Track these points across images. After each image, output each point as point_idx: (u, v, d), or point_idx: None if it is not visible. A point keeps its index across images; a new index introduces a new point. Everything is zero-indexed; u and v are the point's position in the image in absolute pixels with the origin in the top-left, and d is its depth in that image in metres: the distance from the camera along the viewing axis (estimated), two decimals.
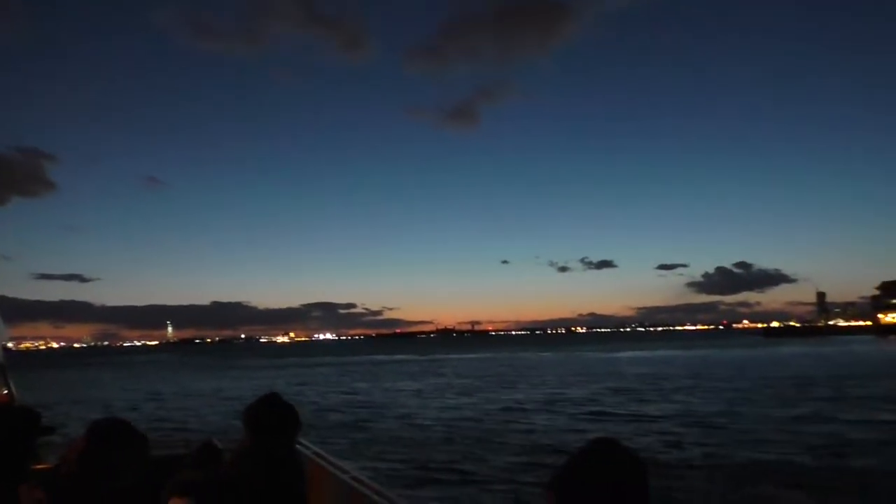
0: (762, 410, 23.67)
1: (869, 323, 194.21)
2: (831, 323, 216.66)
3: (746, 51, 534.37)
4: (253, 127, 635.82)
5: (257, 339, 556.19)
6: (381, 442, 19.17)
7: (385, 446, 18.34)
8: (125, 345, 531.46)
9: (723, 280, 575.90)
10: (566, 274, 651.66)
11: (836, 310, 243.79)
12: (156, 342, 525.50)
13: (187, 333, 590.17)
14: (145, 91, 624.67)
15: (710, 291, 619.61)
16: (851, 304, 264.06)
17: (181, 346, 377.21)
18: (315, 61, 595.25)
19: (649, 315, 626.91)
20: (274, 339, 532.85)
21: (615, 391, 31.86)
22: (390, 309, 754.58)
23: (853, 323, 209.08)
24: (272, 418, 2.80)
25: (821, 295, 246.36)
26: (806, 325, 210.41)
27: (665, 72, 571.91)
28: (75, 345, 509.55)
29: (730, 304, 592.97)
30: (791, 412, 22.94)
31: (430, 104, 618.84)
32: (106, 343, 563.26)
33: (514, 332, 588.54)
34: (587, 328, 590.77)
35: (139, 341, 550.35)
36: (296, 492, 2.79)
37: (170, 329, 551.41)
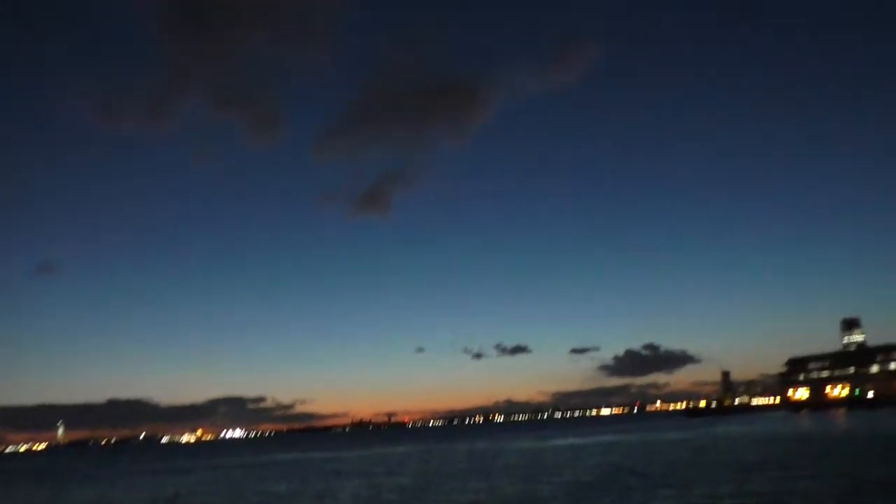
0: None
1: (777, 400, 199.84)
2: (751, 402, 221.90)
3: (651, 134, 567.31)
4: (158, 211, 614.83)
5: (158, 439, 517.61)
6: None
7: None
8: (6, 451, 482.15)
9: (633, 362, 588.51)
10: (481, 360, 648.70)
11: (741, 388, 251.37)
12: (44, 444, 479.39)
13: (81, 434, 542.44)
14: (39, 172, 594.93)
15: (621, 374, 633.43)
16: (753, 382, 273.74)
17: (72, 449, 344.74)
18: (225, 144, 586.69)
19: (564, 400, 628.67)
20: (176, 439, 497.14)
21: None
22: (302, 402, 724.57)
23: (764, 401, 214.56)
24: None
25: (725, 374, 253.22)
26: (725, 405, 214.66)
27: (573, 155, 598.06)
28: None
29: (640, 386, 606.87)
30: None
31: (342, 190, 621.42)
32: None
33: (431, 423, 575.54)
34: (504, 415, 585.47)
35: (24, 444, 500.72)
36: None
37: (60, 430, 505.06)
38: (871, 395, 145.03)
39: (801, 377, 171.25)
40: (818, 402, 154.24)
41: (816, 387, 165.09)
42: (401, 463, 53.02)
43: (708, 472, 29.70)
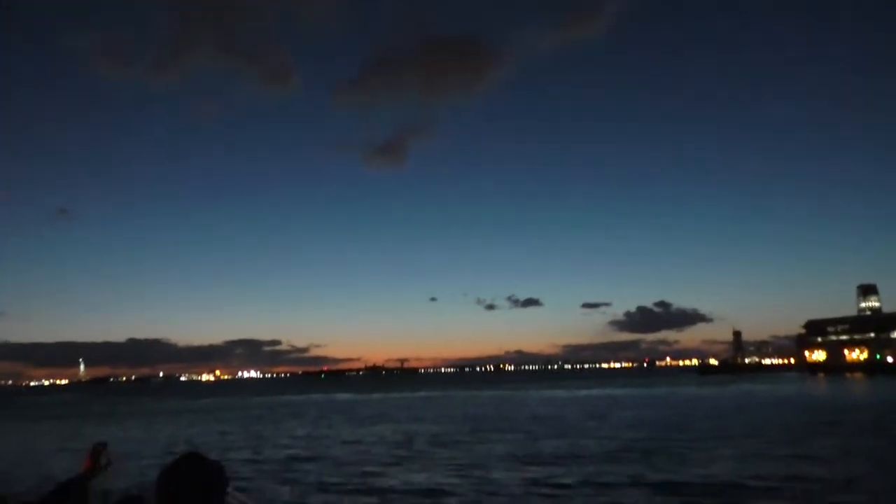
0: None
1: (791, 360, 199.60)
2: (761, 363, 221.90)
3: (667, 93, 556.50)
4: (172, 159, 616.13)
5: (177, 378, 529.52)
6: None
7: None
8: (31, 384, 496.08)
9: (644, 319, 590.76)
10: (493, 312, 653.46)
11: (751, 348, 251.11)
12: (66, 380, 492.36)
13: (101, 372, 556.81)
14: (57, 119, 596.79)
15: (631, 330, 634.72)
16: (765, 343, 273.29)
17: (93, 386, 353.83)
18: (237, 94, 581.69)
19: (574, 353, 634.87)
20: (195, 378, 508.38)
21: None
22: (317, 346, 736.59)
23: (777, 361, 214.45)
24: (190, 487, 2.24)
25: (737, 334, 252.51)
26: (738, 363, 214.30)
27: (587, 116, 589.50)
28: None
29: (650, 343, 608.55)
30: None
31: (358, 140, 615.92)
32: (10, 382, 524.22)
33: (442, 370, 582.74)
34: (514, 365, 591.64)
35: (47, 380, 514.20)
36: None
37: (82, 367, 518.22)
38: (889, 360, 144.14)
39: (819, 339, 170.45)
40: (835, 365, 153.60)
41: (834, 350, 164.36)
42: (425, 408, 53.36)
43: (756, 430, 29.34)
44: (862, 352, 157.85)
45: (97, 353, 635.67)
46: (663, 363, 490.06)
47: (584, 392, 74.79)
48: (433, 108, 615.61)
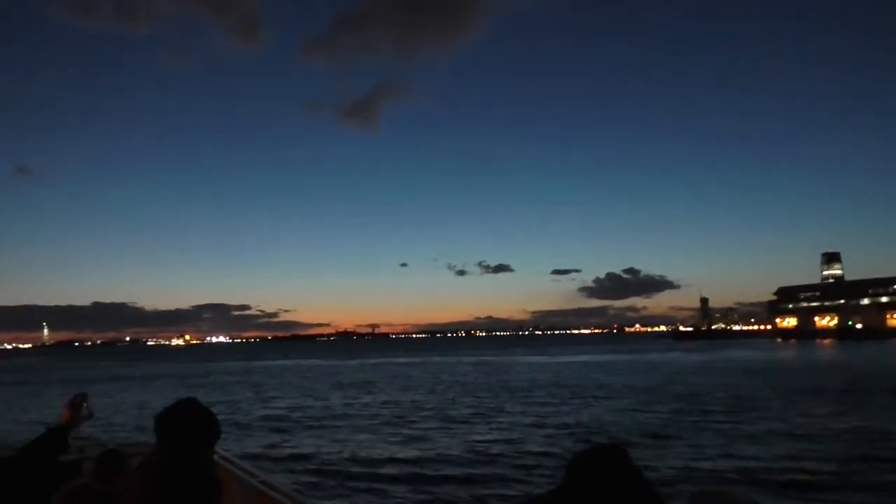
0: None
1: (762, 327, 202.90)
2: (729, 328, 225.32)
3: (641, 60, 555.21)
4: (138, 114, 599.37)
5: (144, 343, 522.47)
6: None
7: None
8: None
9: (612, 285, 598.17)
10: (464, 277, 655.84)
11: (717, 315, 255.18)
12: (29, 344, 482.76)
13: (65, 336, 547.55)
14: (13, 70, 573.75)
15: (600, 296, 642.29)
16: (731, 309, 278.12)
17: (58, 350, 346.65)
18: (204, 46, 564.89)
19: (544, 318, 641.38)
20: (163, 343, 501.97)
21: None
22: (286, 311, 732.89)
23: (748, 328, 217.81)
24: (189, 426, 2.33)
25: (704, 300, 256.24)
26: (709, 329, 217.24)
27: (563, 77, 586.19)
28: None
29: (618, 308, 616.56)
30: None
31: (330, 100, 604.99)
32: None
33: (413, 336, 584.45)
34: (485, 331, 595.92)
35: (10, 344, 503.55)
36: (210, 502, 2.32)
37: (45, 331, 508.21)
38: (859, 326, 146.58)
39: (791, 306, 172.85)
40: (805, 330, 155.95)
41: (804, 316, 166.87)
42: (410, 376, 51.53)
43: (770, 396, 28.04)
44: (832, 318, 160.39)
45: (61, 316, 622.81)
46: (632, 329, 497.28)
47: (570, 358, 73.72)
48: (406, 67, 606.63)
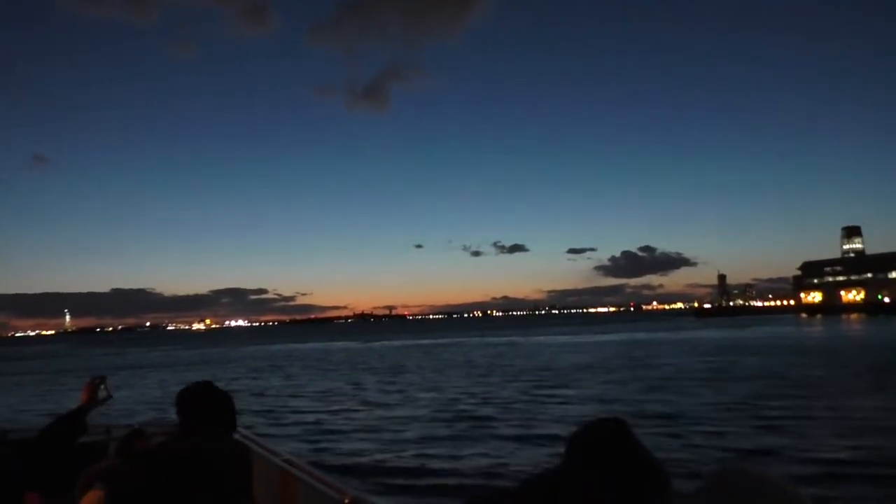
0: None
1: (783, 302, 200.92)
2: (748, 304, 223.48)
3: (655, 38, 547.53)
4: (151, 102, 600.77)
5: (164, 327, 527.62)
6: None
7: None
8: (17, 335, 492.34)
9: (628, 263, 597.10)
10: (479, 258, 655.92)
11: (735, 291, 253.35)
12: (52, 331, 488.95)
13: (86, 322, 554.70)
14: (29, 61, 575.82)
15: (616, 274, 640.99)
16: (749, 286, 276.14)
17: (79, 336, 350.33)
18: (213, 33, 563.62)
19: (560, 298, 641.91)
20: (182, 327, 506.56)
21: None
22: (303, 294, 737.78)
23: (773, 303, 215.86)
24: (207, 404, 2.53)
25: (722, 277, 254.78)
26: (732, 305, 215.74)
27: (575, 57, 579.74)
28: None
29: (635, 287, 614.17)
30: None
31: (340, 84, 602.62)
32: None
33: (430, 317, 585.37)
34: (501, 311, 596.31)
35: (33, 331, 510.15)
36: (232, 484, 2.38)
37: (67, 318, 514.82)
38: (886, 300, 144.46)
39: (816, 281, 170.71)
40: (831, 305, 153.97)
41: (830, 291, 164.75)
42: (447, 358, 50.66)
43: (830, 376, 26.93)
44: (859, 292, 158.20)
45: (82, 303, 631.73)
46: (649, 307, 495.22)
47: (600, 338, 72.53)
48: (414, 48, 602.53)
